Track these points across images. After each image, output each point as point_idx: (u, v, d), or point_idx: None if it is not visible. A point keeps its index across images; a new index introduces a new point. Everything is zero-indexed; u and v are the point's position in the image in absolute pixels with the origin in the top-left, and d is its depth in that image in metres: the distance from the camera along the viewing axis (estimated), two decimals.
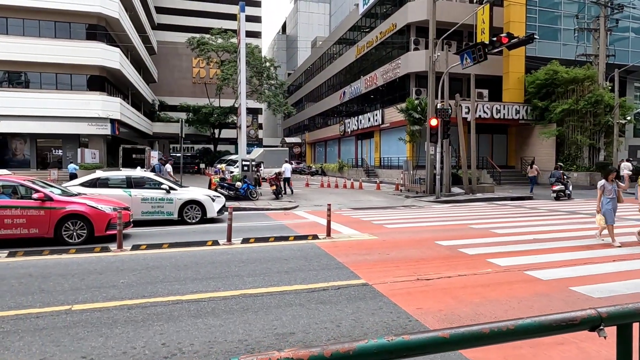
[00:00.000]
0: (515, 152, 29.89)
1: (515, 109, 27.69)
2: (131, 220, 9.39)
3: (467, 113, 26.05)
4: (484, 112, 26.86)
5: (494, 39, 14.31)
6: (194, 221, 11.48)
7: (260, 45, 57.80)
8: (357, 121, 35.31)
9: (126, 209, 9.26)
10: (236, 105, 50.66)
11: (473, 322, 4.46)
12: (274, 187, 17.63)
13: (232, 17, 52.17)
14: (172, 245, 8.12)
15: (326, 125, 47.15)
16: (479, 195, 19.12)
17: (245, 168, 17.59)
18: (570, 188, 18.99)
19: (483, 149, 29.77)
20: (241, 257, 7.27)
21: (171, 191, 11.35)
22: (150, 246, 8.02)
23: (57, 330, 4.18)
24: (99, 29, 31.57)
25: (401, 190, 22.48)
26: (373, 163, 34.05)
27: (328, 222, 9.12)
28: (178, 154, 66.45)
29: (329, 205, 9.36)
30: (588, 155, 25.27)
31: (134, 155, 29.51)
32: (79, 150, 28.19)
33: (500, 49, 14.73)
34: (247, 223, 11.87)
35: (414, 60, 27.50)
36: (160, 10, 59.14)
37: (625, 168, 21.38)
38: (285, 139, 59.15)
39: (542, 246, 8.17)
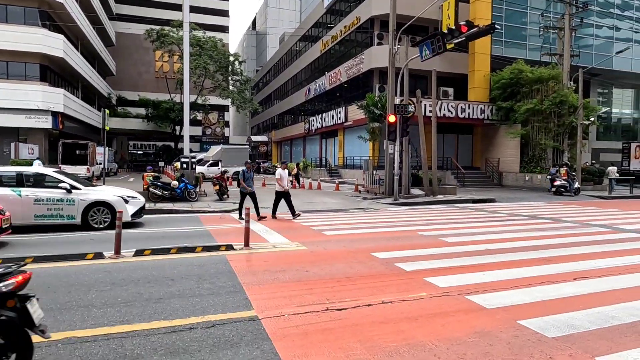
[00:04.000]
0: (481, 153, 29.19)
1: (480, 108, 26.94)
2: (4, 225, 7.61)
3: (431, 111, 25.11)
4: (449, 111, 25.97)
5: (453, 27, 13.18)
6: (101, 226, 9.75)
7: (225, 39, 55.64)
8: (322, 119, 33.95)
9: None
10: (199, 101, 48.68)
11: None
12: (217, 187, 15.99)
13: (195, 9, 49.98)
14: (38, 259, 6.43)
15: (292, 123, 45.64)
16: (439, 198, 18.04)
17: (184, 166, 15.87)
18: (576, 185, 20.76)
19: (448, 149, 28.94)
20: (116, 277, 5.68)
21: (73, 191, 9.58)
22: (7, 260, 6.30)
23: None
24: (41, 13, 29.04)
25: (360, 191, 21.22)
26: (337, 163, 32.76)
27: (246, 231, 7.62)
28: (139, 152, 63.76)
29: (247, 209, 7.86)
30: (552, 157, 24.71)
31: (77, 151, 27.14)
32: (12, 144, 25.65)
33: (460, 39, 13.60)
34: (168, 228, 10.23)
35: (377, 56, 26.32)
36: None
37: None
38: (252, 137, 57.26)
39: (493, 259, 6.94)
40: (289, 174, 13.95)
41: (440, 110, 25.66)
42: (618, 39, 34.07)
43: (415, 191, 18.74)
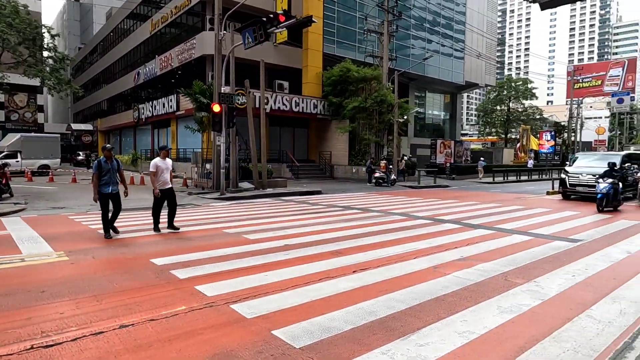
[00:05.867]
0: (316, 147, 30.33)
1: (314, 103, 27.87)
2: None
3: (267, 104, 24.94)
4: (284, 104, 26.16)
5: (271, 16, 12.85)
6: None
7: (33, 7, 46.48)
8: (152, 107, 30.91)
9: None
10: None
11: None
12: None
13: None
14: None
15: (121, 110, 40.73)
16: (269, 191, 17.81)
17: None
18: (393, 177, 22.95)
19: (286, 142, 29.32)
20: None
21: None
22: None
23: None
24: None
25: (188, 185, 19.76)
26: (169, 155, 30.24)
27: None
28: None
29: None
30: (375, 150, 26.99)
31: None
32: None
33: (279, 29, 13.38)
34: None
35: (209, 41, 24.82)
36: None
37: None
38: (72, 125, 49.48)
39: (286, 255, 6.60)
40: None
41: (275, 103, 25.69)
42: (429, 50, 39.23)
43: (245, 185, 18.16)
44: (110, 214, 7.99)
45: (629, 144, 55.20)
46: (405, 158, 29.29)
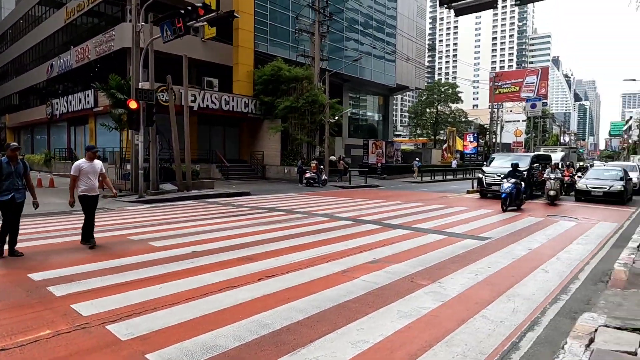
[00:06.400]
0: (248, 147, 29.63)
1: (245, 102, 27.18)
2: None
3: (194, 101, 23.96)
4: (213, 102, 25.22)
5: (190, 8, 12.18)
6: None
7: None
8: (67, 102, 28.41)
9: None
10: None
11: None
12: None
13: None
14: None
15: (33, 105, 37.10)
16: (194, 193, 16.97)
17: None
18: (324, 177, 23.00)
19: (215, 142, 28.33)
20: None
21: None
22: None
23: None
24: None
25: (104, 187, 18.25)
26: (97, 156, 27.99)
27: None
28: None
29: None
30: (307, 151, 26.88)
31: None
32: None
33: (200, 23, 12.73)
34: None
35: (129, 33, 23.11)
36: None
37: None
38: None
39: (190, 264, 6.13)
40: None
41: (203, 101, 24.73)
42: (362, 52, 39.95)
43: (167, 186, 17.17)
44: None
45: (541, 145, 60.22)
46: (341, 159, 29.52)
